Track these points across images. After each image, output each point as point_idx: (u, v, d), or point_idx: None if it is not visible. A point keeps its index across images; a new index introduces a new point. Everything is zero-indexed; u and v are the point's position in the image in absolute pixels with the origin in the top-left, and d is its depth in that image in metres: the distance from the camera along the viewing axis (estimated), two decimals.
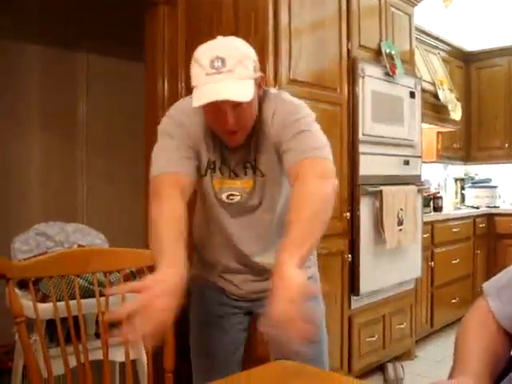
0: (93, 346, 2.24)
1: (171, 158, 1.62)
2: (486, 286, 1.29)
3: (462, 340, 1.20)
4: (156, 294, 1.25)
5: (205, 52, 1.53)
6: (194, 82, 1.54)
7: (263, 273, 1.81)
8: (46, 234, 2.57)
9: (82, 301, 1.78)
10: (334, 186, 1.54)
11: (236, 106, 1.53)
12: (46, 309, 2.03)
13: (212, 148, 1.71)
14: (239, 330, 1.94)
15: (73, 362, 1.80)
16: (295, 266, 1.28)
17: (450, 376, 1.12)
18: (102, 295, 1.80)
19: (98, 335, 2.46)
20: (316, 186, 1.49)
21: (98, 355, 2.13)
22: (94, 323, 2.46)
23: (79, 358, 1.74)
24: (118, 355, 2.39)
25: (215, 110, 1.54)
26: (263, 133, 1.68)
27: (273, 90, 1.76)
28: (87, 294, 2.11)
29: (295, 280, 1.23)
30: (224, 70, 1.49)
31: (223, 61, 1.49)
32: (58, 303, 1.74)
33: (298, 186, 1.51)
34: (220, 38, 1.59)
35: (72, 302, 1.75)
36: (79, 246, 2.53)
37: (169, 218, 1.50)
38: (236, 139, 1.64)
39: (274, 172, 1.73)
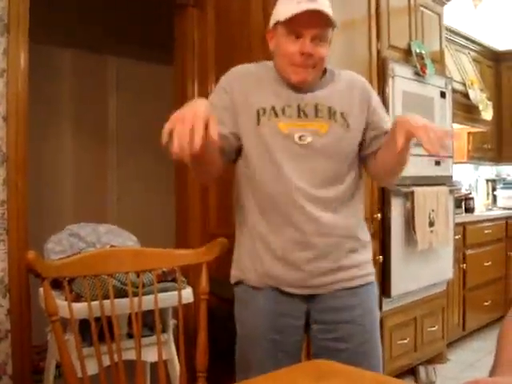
0: (125, 346, 2.26)
1: None
2: None
3: (504, 338, 1.17)
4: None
5: None
6: (279, 15, 1.69)
7: (327, 247, 1.74)
8: (79, 235, 2.59)
9: (115, 301, 1.79)
10: None
11: (315, 39, 1.66)
12: (79, 308, 2.05)
13: (269, 93, 1.74)
14: (298, 347, 1.83)
15: (105, 362, 1.81)
16: None
17: (491, 374, 1.10)
18: (134, 295, 1.82)
19: (129, 335, 2.47)
20: None
21: (129, 355, 2.15)
22: (126, 323, 2.48)
23: (112, 357, 1.75)
24: (149, 355, 2.41)
25: (295, 38, 1.66)
26: (354, 93, 1.81)
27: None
28: (120, 294, 2.12)
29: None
30: (316, 2, 1.64)
31: None
32: (92, 303, 1.76)
33: None
34: None
35: (105, 302, 1.77)
36: (111, 246, 2.55)
37: None
38: (305, 75, 1.71)
39: (359, 130, 1.79)
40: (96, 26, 4.47)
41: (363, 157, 1.84)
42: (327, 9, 1.66)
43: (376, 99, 1.87)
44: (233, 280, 1.89)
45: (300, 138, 1.71)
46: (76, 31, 4.40)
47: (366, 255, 1.89)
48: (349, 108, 1.77)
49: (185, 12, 3.32)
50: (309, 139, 1.71)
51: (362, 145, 1.82)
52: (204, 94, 3.25)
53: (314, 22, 1.64)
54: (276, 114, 1.71)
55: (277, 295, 1.78)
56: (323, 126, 1.72)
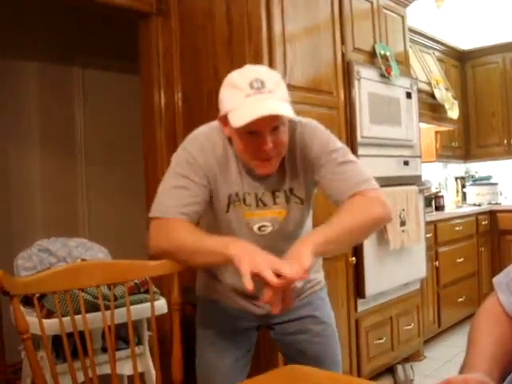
0: (100, 361, 2.24)
1: (178, 204, 1.59)
2: (496, 279, 1.28)
3: (473, 335, 1.19)
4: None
5: (241, 75, 1.52)
6: (229, 106, 1.51)
7: None
8: (49, 250, 2.56)
9: (88, 315, 1.77)
10: (387, 214, 1.61)
11: (274, 129, 1.51)
12: (51, 325, 2.02)
13: (233, 180, 1.66)
14: (251, 345, 1.92)
15: (81, 378, 1.79)
16: (312, 250, 1.39)
17: (461, 371, 1.11)
18: (107, 309, 1.80)
19: (104, 349, 2.45)
20: (373, 206, 1.57)
21: (105, 369, 2.13)
22: (100, 337, 2.45)
23: (87, 373, 1.73)
24: (125, 368, 2.40)
25: (252, 135, 1.51)
26: (296, 159, 1.67)
27: (296, 118, 1.69)
28: (92, 308, 2.10)
29: (305, 260, 1.36)
30: (265, 91, 1.48)
31: (262, 82, 1.48)
32: (64, 318, 1.74)
33: (358, 197, 1.58)
34: (249, 65, 1.59)
35: (77, 317, 1.75)
36: (82, 260, 2.52)
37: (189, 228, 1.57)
38: (271, 167, 1.59)
39: (309, 197, 1.74)
40: (61, 37, 4.43)
41: None
42: (281, 99, 1.51)
43: (316, 151, 1.66)
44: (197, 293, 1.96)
45: (259, 228, 1.69)
46: (41, 44, 4.35)
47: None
48: (300, 182, 1.69)
49: (149, 21, 3.30)
50: (269, 229, 1.70)
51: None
52: (171, 102, 3.25)
53: (270, 120, 1.48)
54: (239, 202, 1.67)
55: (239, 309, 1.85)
56: (281, 213, 1.69)
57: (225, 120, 1.55)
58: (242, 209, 1.68)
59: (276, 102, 1.48)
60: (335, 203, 1.64)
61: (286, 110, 1.49)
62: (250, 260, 1.34)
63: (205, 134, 1.69)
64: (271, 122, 1.49)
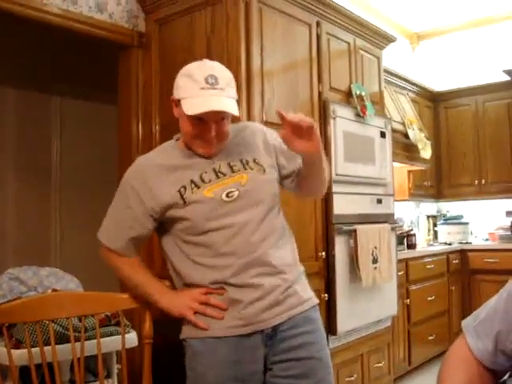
0: None
1: (119, 237, 1.83)
2: (464, 323, 1.31)
3: (443, 378, 1.20)
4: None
5: (198, 69, 1.75)
6: (183, 94, 1.74)
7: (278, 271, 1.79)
8: (20, 279, 2.53)
9: (57, 347, 1.75)
10: None
11: (220, 120, 1.73)
12: (19, 355, 1.99)
13: (185, 168, 1.80)
14: None
15: None
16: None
17: None
18: (77, 340, 1.78)
19: (72, 382, 2.41)
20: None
21: None
22: (68, 369, 2.41)
23: None
24: None
25: (199, 121, 1.72)
26: (247, 138, 1.89)
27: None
28: (62, 339, 2.07)
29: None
30: (218, 87, 1.70)
31: (216, 79, 1.71)
32: (32, 349, 1.71)
33: None
34: (207, 61, 1.80)
35: (46, 348, 1.72)
36: (53, 290, 2.49)
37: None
38: (211, 149, 1.79)
39: (271, 170, 1.87)
40: (39, 65, 4.44)
41: (290, 189, 2.00)
42: (230, 97, 1.73)
43: (278, 140, 1.91)
44: (185, 335, 1.81)
45: (227, 195, 1.76)
46: (19, 70, 4.35)
47: (305, 281, 1.97)
48: (258, 153, 1.87)
49: (129, 53, 3.34)
50: (236, 193, 1.77)
51: (282, 183, 1.95)
52: (148, 133, 3.27)
53: (217, 114, 1.70)
54: (197, 186, 1.77)
55: (238, 342, 1.74)
56: (243, 177, 1.80)
57: (177, 102, 1.78)
58: (200, 191, 1.76)
59: (226, 99, 1.72)
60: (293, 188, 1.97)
61: (232, 107, 1.73)
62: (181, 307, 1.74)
63: (145, 157, 1.95)
64: (217, 116, 1.71)
